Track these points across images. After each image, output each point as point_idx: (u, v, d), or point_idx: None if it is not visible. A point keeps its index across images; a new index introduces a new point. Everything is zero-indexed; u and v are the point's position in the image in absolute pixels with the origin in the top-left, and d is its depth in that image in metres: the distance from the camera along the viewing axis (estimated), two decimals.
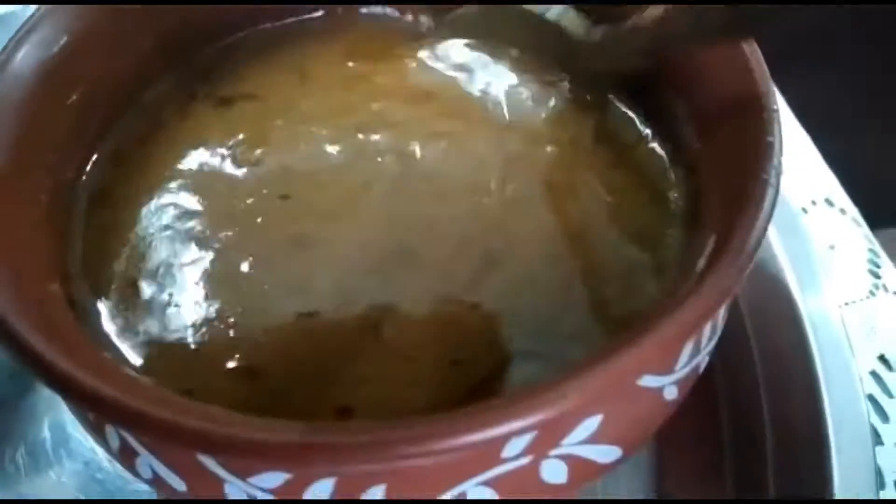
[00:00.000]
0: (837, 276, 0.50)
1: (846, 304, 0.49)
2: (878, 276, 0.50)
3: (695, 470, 0.45)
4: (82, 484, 0.42)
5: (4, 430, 0.43)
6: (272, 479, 0.27)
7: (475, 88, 0.42)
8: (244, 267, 0.36)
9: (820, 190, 0.54)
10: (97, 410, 0.27)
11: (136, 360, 0.33)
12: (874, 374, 0.45)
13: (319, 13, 0.46)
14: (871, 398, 0.44)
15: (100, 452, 0.42)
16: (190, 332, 0.34)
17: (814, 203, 0.53)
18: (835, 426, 0.41)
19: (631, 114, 0.41)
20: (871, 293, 0.49)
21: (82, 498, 0.41)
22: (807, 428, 0.42)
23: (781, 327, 0.45)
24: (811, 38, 0.66)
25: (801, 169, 0.54)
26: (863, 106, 0.75)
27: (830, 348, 0.44)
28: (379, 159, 0.39)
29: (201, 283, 0.35)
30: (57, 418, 0.43)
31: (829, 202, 0.54)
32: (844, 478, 0.40)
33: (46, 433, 0.43)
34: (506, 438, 0.27)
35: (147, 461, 0.29)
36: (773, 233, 0.49)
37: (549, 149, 0.40)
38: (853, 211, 0.53)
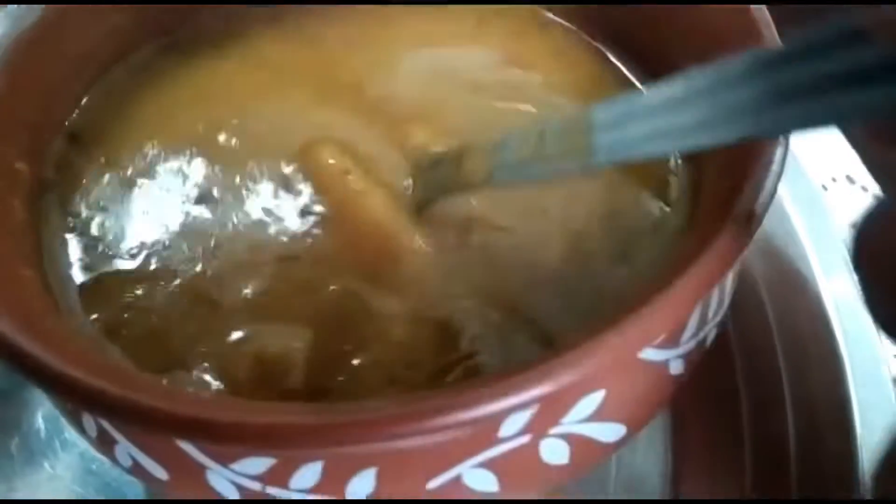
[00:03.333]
0: None
1: None
2: None
3: (712, 466, 0.43)
4: (77, 476, 0.40)
5: None
6: (256, 465, 0.26)
7: None
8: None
9: (841, 167, 0.52)
10: (62, 392, 0.26)
11: (111, 338, 0.32)
12: None
13: None
14: None
15: None
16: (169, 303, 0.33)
17: (834, 180, 0.52)
18: (861, 412, 0.40)
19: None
20: None
21: (78, 490, 0.40)
22: (831, 414, 0.41)
23: (803, 309, 0.44)
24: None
25: (821, 145, 0.53)
26: None
27: (855, 330, 0.42)
28: None
29: (180, 255, 0.34)
30: (51, 408, 0.41)
31: (850, 179, 0.52)
32: (872, 467, 0.38)
33: (41, 423, 0.42)
34: (503, 415, 0.25)
35: (125, 448, 0.28)
36: (792, 210, 0.47)
37: None
38: (875, 188, 0.51)
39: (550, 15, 0.43)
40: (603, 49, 0.42)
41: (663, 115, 0.27)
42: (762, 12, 0.33)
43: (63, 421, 0.41)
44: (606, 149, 0.29)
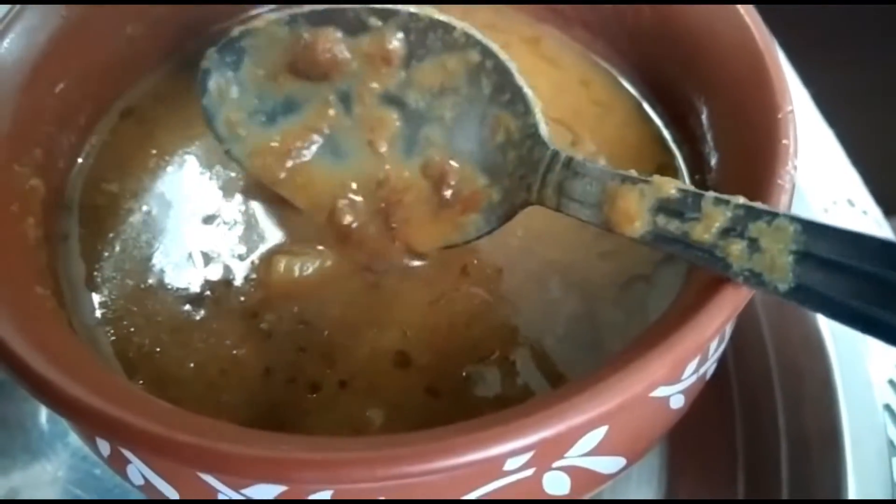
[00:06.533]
0: None
1: None
2: None
3: (707, 476, 0.44)
4: (78, 479, 0.41)
5: (0, 419, 0.42)
6: (268, 491, 0.26)
7: None
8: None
9: (842, 190, 0.52)
10: (86, 424, 0.26)
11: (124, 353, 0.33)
12: (892, 382, 0.44)
13: None
14: (887, 408, 0.43)
15: None
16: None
17: (835, 203, 0.52)
18: (851, 437, 0.40)
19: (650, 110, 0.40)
20: None
21: (80, 493, 0.40)
22: (821, 438, 0.41)
23: (798, 334, 0.44)
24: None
25: (823, 167, 0.53)
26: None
27: (848, 356, 0.43)
28: None
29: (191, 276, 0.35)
30: None
31: (851, 203, 0.52)
32: (860, 490, 0.39)
33: (44, 425, 0.42)
34: (512, 454, 0.26)
35: (138, 468, 0.28)
36: None
37: None
38: (875, 213, 0.52)
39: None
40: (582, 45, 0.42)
41: None
42: (751, 11, 0.34)
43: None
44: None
